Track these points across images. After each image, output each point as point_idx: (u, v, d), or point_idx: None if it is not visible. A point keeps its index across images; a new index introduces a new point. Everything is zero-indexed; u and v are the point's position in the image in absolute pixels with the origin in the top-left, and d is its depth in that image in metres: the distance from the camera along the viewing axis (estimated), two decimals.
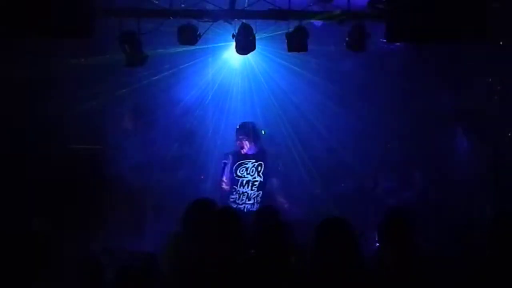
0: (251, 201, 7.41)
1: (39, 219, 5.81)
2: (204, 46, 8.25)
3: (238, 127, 7.63)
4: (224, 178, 7.44)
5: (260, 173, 7.47)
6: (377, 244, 5.23)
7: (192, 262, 4.75)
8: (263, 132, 8.29)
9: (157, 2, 7.07)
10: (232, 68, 9.05)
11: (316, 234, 4.28)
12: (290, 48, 7.16)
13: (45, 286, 4.36)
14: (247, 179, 7.46)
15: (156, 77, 8.59)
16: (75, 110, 8.22)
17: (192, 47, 7.57)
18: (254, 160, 7.49)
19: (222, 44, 8.48)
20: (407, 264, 4.65)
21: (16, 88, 8.05)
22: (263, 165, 7.48)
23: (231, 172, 7.46)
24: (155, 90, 8.72)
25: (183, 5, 7.15)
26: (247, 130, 7.55)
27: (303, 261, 4.59)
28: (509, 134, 8.28)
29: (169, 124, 8.75)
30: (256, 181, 7.45)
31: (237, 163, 7.47)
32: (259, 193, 7.44)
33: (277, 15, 7.07)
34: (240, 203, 7.40)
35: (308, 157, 8.88)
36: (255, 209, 7.24)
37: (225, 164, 7.46)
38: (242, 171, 7.47)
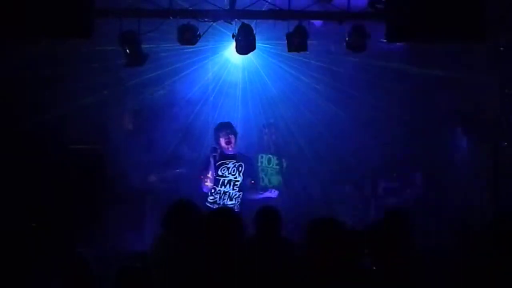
0: (233, 201, 7.36)
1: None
2: (204, 46, 8.26)
3: (223, 125, 7.54)
4: (209, 174, 7.32)
5: (241, 173, 7.43)
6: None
7: (177, 262, 4.80)
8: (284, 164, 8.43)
9: None
10: (232, 68, 9.05)
11: (305, 234, 4.24)
12: (290, 48, 7.16)
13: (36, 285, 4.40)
14: (228, 178, 7.40)
15: (156, 78, 8.58)
16: (76, 110, 8.23)
17: (192, 47, 7.57)
18: (235, 161, 7.43)
19: (222, 44, 8.49)
20: (404, 265, 4.64)
21: (16, 87, 8.06)
22: (243, 166, 7.45)
23: (213, 171, 7.36)
24: (155, 91, 8.72)
25: (183, 5, 7.14)
26: (234, 128, 7.51)
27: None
28: (507, 137, 8.26)
29: (169, 124, 8.75)
30: (238, 181, 7.41)
31: (218, 163, 7.36)
32: (240, 194, 7.40)
33: (277, 15, 7.06)
34: (221, 203, 7.32)
35: (308, 156, 8.87)
36: (236, 210, 7.15)
37: (213, 157, 7.31)
38: (224, 170, 7.39)
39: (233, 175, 7.41)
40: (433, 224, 7.78)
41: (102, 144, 8.42)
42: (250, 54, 7.58)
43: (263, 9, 7.11)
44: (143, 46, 7.17)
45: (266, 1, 6.99)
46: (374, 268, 4.58)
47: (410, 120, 8.72)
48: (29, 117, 8.06)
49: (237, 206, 7.33)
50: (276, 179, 8.38)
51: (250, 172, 7.54)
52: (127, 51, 7.10)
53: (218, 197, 7.37)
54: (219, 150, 7.37)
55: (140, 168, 8.47)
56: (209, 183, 7.32)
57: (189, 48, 7.79)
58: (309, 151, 8.87)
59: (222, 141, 7.41)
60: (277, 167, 8.40)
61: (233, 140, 7.43)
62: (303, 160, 8.80)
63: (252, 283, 4.35)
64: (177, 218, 5.24)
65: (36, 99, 8.11)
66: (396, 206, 6.45)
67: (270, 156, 8.44)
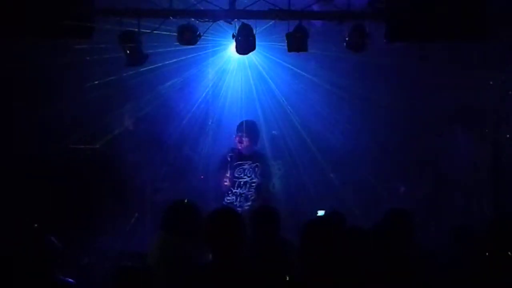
0: (249, 203, 7.44)
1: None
2: (204, 46, 8.25)
3: (239, 124, 7.61)
4: (228, 174, 7.41)
5: (258, 175, 7.48)
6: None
7: (177, 262, 4.80)
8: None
9: None
10: (232, 68, 9.04)
11: (300, 237, 4.22)
12: (290, 48, 7.16)
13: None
14: (244, 180, 7.46)
15: (156, 78, 8.57)
16: (76, 110, 8.23)
17: (192, 47, 7.57)
18: (250, 162, 7.51)
19: (223, 44, 8.48)
20: (406, 265, 4.64)
21: (16, 88, 8.06)
22: (259, 167, 7.49)
23: (231, 171, 7.43)
24: (155, 91, 8.72)
25: (183, 5, 7.15)
26: (248, 128, 7.55)
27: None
28: (508, 136, 8.26)
29: (169, 124, 8.75)
30: (254, 182, 7.48)
31: (235, 164, 7.44)
32: (256, 195, 7.46)
33: (277, 15, 7.06)
34: (238, 204, 7.41)
35: (308, 157, 8.87)
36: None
37: (231, 157, 7.41)
38: (240, 172, 7.47)
39: (249, 176, 7.49)
40: (433, 224, 7.78)
41: (102, 144, 8.43)
42: (250, 54, 7.58)
43: (263, 9, 7.11)
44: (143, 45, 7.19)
45: (266, 1, 6.98)
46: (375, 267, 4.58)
47: (410, 119, 8.71)
48: (29, 116, 8.06)
49: (253, 206, 7.33)
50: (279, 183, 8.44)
51: (267, 173, 7.59)
52: (127, 51, 7.11)
53: (235, 198, 7.47)
54: (236, 150, 7.44)
55: (140, 168, 8.48)
56: (228, 183, 7.41)
57: (189, 49, 7.79)
58: (308, 151, 8.87)
59: (236, 140, 7.49)
60: (279, 171, 8.44)
61: (244, 140, 7.47)
62: (303, 162, 8.81)
63: (252, 283, 4.34)
64: (177, 218, 5.25)
65: (36, 98, 8.12)
66: (398, 207, 6.42)
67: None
